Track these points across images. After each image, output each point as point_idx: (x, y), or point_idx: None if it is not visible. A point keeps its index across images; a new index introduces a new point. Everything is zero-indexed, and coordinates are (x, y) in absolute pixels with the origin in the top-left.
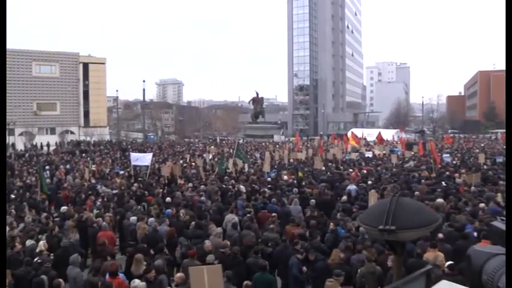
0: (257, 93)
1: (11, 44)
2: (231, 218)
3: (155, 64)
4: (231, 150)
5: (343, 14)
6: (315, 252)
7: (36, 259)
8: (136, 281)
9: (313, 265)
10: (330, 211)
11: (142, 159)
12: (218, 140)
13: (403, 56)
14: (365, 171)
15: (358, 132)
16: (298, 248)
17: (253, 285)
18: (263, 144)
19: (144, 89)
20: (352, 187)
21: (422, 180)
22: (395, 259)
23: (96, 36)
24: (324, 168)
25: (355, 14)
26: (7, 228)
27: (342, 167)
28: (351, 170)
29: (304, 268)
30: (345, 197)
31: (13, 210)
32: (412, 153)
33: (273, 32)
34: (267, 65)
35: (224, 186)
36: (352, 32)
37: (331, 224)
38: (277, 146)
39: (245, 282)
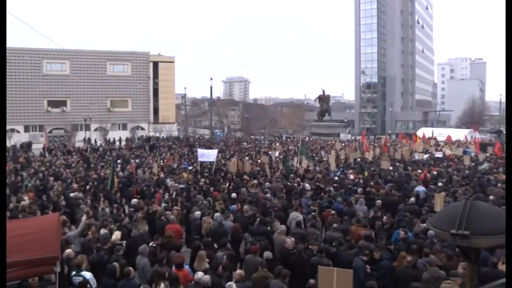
0: (323, 91)
1: (87, 45)
2: (295, 215)
3: (222, 62)
4: (296, 148)
5: (413, 9)
6: (380, 250)
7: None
8: (200, 274)
9: (378, 263)
10: (397, 212)
11: (207, 155)
12: (284, 138)
13: (479, 50)
14: (435, 172)
15: (428, 131)
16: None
17: (316, 284)
18: (329, 142)
19: (211, 87)
20: (420, 188)
21: (499, 184)
22: (468, 267)
23: (165, 36)
24: (391, 168)
25: (426, 8)
26: (84, 217)
27: (410, 168)
28: (419, 170)
29: (369, 268)
30: (412, 199)
31: (89, 201)
32: (487, 154)
33: (340, 28)
34: (333, 62)
35: (289, 183)
36: (422, 27)
37: (402, 232)
38: (343, 144)
39: (310, 281)
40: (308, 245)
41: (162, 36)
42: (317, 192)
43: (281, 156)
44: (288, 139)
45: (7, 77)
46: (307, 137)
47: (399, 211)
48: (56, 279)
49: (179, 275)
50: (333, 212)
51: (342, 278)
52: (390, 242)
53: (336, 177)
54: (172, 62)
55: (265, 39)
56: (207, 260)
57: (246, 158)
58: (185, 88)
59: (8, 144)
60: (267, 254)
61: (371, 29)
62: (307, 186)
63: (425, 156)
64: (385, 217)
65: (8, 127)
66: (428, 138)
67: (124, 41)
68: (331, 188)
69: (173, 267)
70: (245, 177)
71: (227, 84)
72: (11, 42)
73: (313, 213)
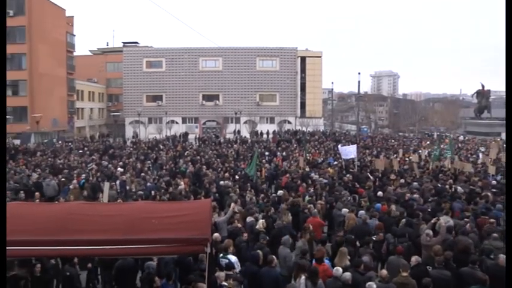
0: (482, 86)
1: (239, 42)
2: (445, 220)
3: (371, 56)
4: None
5: None
6: None
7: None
8: (340, 270)
9: None
10: None
11: (347, 152)
12: (435, 136)
13: None
14: None
15: None
16: None
17: None
18: (487, 142)
19: (359, 81)
20: None
21: None
22: None
23: (313, 31)
24: None
25: None
26: (232, 204)
27: None
28: None
29: None
30: None
31: (237, 189)
32: None
33: (500, 12)
34: (494, 53)
35: (440, 185)
36: None
37: None
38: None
39: None
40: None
41: (310, 31)
42: (471, 196)
43: (431, 156)
44: (442, 138)
45: (170, 74)
46: (461, 136)
47: None
48: (206, 259)
49: (319, 269)
50: (492, 220)
51: None
52: None
53: (494, 181)
54: (320, 56)
55: (416, 31)
56: (349, 257)
57: (394, 155)
58: (332, 83)
59: (168, 133)
60: (416, 259)
61: None
62: (460, 189)
63: None
64: None
65: (168, 119)
66: None
67: (273, 37)
68: (489, 193)
69: (313, 261)
70: (392, 175)
71: (375, 78)
72: (174, 43)
73: (466, 219)
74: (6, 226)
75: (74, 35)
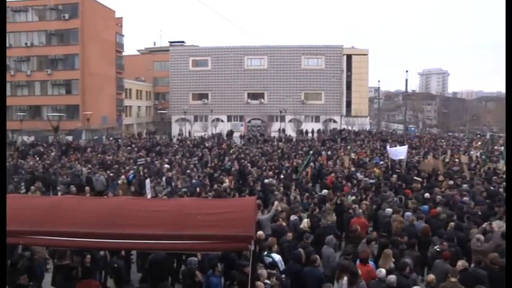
0: None
1: (284, 40)
2: (498, 225)
3: (419, 54)
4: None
5: None
6: None
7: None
8: (383, 271)
9: None
10: None
11: (396, 153)
12: (488, 136)
13: None
14: None
15: None
16: None
17: None
18: None
19: (406, 80)
20: None
21: None
22: None
23: (359, 28)
24: None
25: None
26: (276, 202)
27: None
28: None
29: None
30: None
31: (281, 188)
32: None
33: None
34: None
35: (492, 188)
36: None
37: None
38: None
39: None
40: None
41: (356, 28)
42: None
43: (483, 157)
44: (494, 138)
45: (215, 73)
46: None
47: None
48: (250, 256)
49: (362, 271)
50: None
51: None
52: None
53: None
54: (366, 54)
55: (468, 26)
56: (393, 259)
57: (442, 156)
58: (379, 81)
59: (214, 131)
60: (462, 263)
61: None
62: None
63: None
64: None
65: (213, 117)
66: None
67: (318, 34)
68: None
69: (357, 262)
70: (440, 177)
71: (423, 76)
72: (219, 41)
73: None
74: (61, 218)
75: (123, 36)
